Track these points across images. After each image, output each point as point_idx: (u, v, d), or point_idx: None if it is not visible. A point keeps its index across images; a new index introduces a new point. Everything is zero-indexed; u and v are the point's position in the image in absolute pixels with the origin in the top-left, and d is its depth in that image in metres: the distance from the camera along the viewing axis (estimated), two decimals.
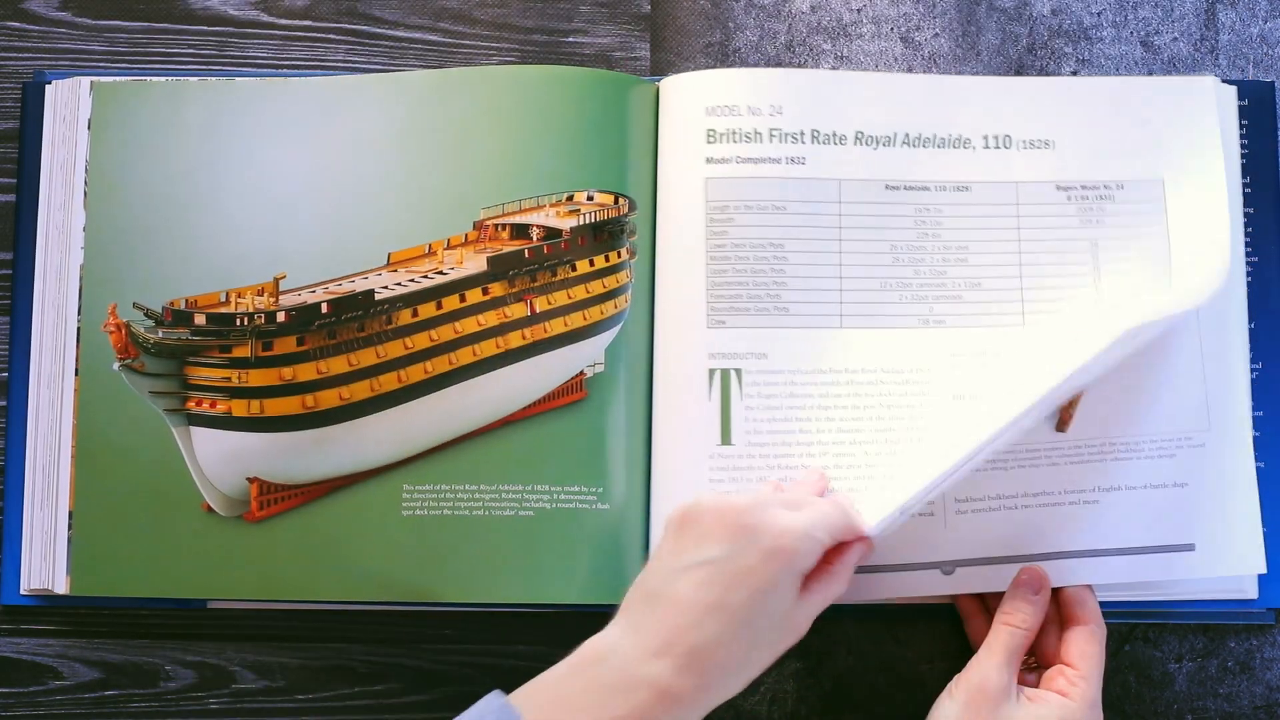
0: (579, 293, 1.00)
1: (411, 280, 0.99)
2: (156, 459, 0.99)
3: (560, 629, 1.00)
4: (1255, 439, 0.99)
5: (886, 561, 0.95)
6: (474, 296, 0.99)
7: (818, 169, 0.99)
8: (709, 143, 0.99)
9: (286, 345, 0.98)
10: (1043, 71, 1.06)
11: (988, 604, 0.96)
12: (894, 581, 0.96)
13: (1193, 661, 1.01)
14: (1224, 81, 1.03)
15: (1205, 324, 0.98)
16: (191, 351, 0.99)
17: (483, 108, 1.00)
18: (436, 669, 1.01)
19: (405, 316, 0.99)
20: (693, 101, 1.00)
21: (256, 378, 0.98)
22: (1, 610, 1.01)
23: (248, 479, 0.98)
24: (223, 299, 0.99)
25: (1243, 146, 1.02)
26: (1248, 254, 1.01)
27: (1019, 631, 0.91)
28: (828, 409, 0.97)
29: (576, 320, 0.99)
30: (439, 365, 0.99)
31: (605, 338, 0.99)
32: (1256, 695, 1.01)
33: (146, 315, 0.99)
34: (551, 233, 0.99)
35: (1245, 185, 1.02)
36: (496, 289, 0.99)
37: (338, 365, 0.98)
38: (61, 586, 0.98)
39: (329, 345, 0.98)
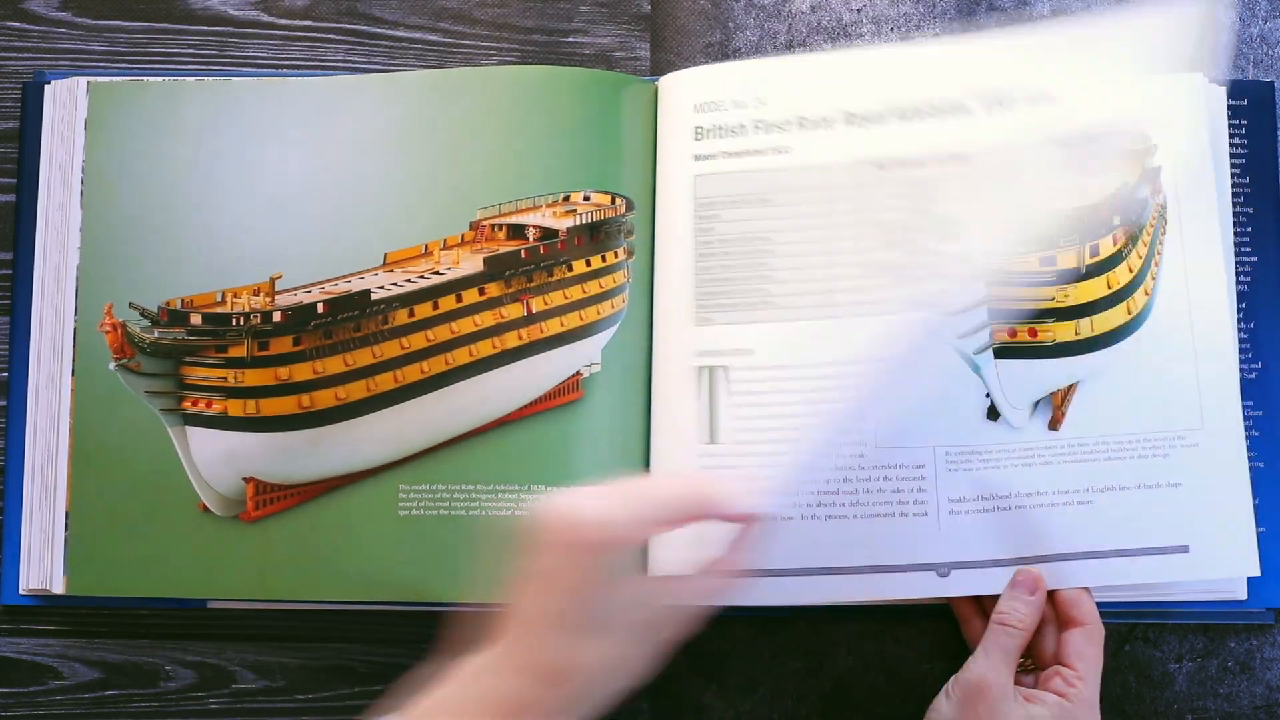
0: (575, 293, 0.99)
1: (408, 280, 0.99)
2: (152, 459, 0.99)
3: None
4: (1255, 439, 0.99)
5: (881, 562, 0.95)
6: (470, 297, 0.99)
7: (804, 157, 0.99)
8: (696, 139, 0.99)
9: (282, 345, 0.98)
10: None
11: (985, 607, 0.96)
12: (889, 583, 0.95)
13: (1193, 661, 1.01)
14: (1224, 81, 1.03)
15: (1198, 323, 0.98)
16: (187, 351, 0.99)
17: (479, 108, 1.00)
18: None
19: (401, 317, 0.99)
20: (683, 99, 1.00)
21: (252, 377, 0.98)
22: (1, 610, 1.01)
23: (244, 479, 0.98)
24: (219, 299, 0.99)
25: (1243, 146, 1.02)
26: (1248, 254, 1.01)
27: (1015, 631, 0.91)
28: (817, 404, 0.96)
29: (573, 320, 0.99)
30: (435, 365, 0.99)
31: (602, 338, 0.99)
32: (1256, 695, 1.01)
33: (142, 315, 1.00)
34: (548, 233, 0.99)
35: (1245, 185, 1.02)
36: (493, 289, 0.99)
37: (334, 365, 0.98)
38: (58, 586, 0.98)
39: (325, 345, 0.98)
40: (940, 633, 1.00)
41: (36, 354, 1.00)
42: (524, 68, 1.03)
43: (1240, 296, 1.00)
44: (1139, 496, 0.95)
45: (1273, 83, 1.04)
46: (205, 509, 0.98)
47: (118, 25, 1.06)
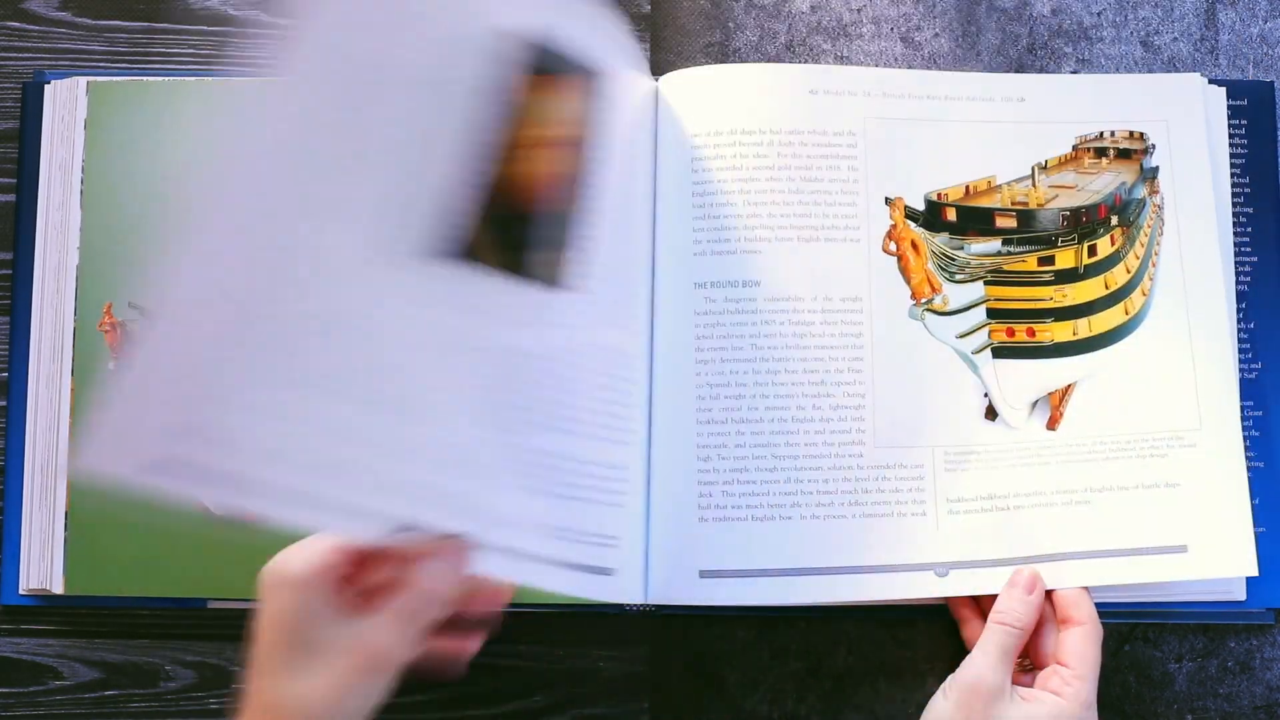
0: None
1: None
2: None
3: (560, 629, 1.00)
4: (1255, 439, 0.99)
5: (879, 562, 0.95)
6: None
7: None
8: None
9: None
10: (1042, 71, 1.06)
11: (983, 607, 0.96)
12: (887, 583, 0.95)
13: (1193, 661, 1.01)
14: (1223, 82, 1.03)
15: (1195, 322, 0.98)
16: None
17: None
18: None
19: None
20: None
21: None
22: (1, 610, 1.01)
23: None
24: None
25: (1242, 146, 1.02)
26: (1248, 254, 1.01)
27: (1013, 631, 0.91)
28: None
29: None
30: None
31: None
32: (1256, 695, 1.01)
33: (143, 315, 1.00)
34: None
35: (1245, 185, 1.02)
36: None
37: None
38: (58, 586, 0.98)
39: None
40: (940, 633, 1.00)
41: (36, 354, 1.00)
42: None
43: (1240, 296, 1.01)
44: (1137, 496, 0.95)
45: (1273, 83, 1.04)
46: (205, 508, 0.98)
47: (118, 25, 1.06)
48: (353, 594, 0.81)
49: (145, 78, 1.03)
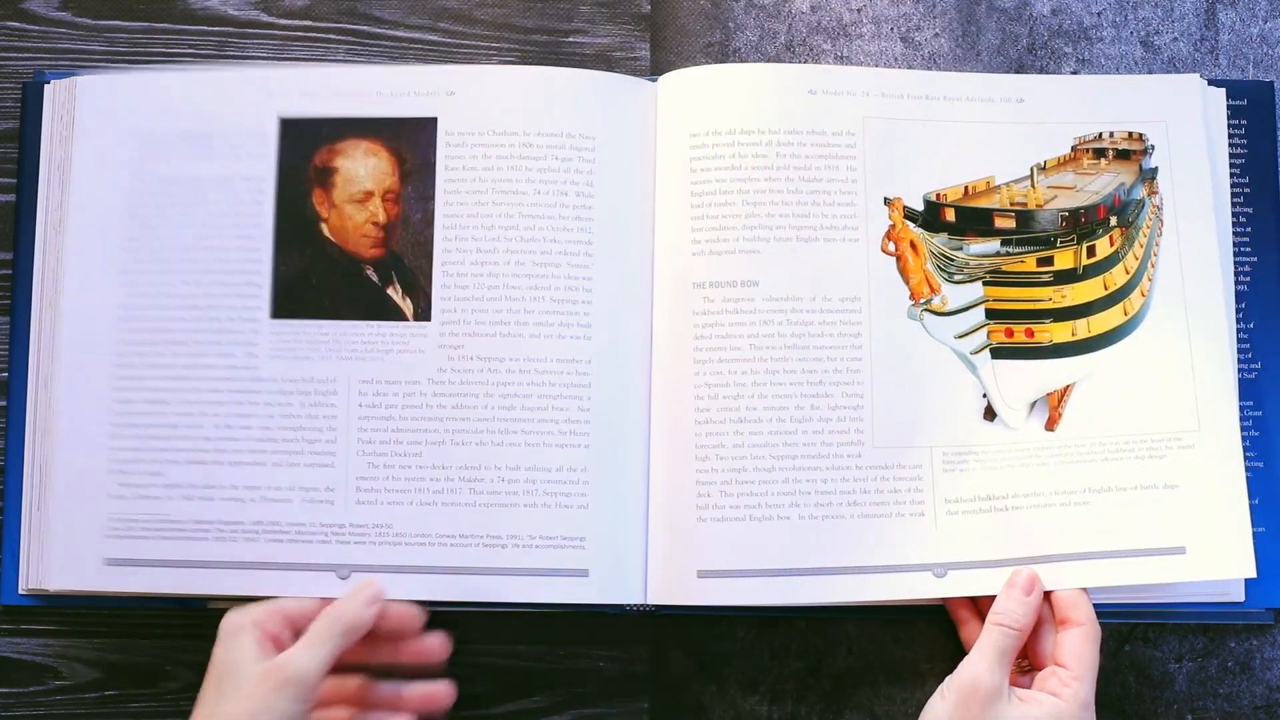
0: None
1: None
2: None
3: (560, 629, 1.00)
4: (1255, 439, 0.99)
5: (878, 563, 0.95)
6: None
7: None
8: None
9: None
10: (1042, 71, 1.06)
11: (981, 608, 0.96)
12: (886, 583, 0.95)
13: (1193, 661, 1.01)
14: (1223, 82, 1.03)
15: (1194, 323, 0.98)
16: None
17: None
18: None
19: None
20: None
21: None
22: (1, 610, 1.01)
23: None
24: None
25: (1242, 146, 1.02)
26: (1247, 254, 1.01)
27: (1010, 632, 0.91)
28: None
29: None
30: None
31: None
32: (1256, 695, 1.00)
33: None
34: None
35: (1245, 185, 1.02)
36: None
37: None
38: (49, 585, 0.98)
39: None
40: (940, 633, 1.00)
41: (36, 354, 1.00)
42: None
43: (1239, 296, 1.00)
44: (1135, 497, 0.95)
45: (1273, 83, 1.04)
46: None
47: (118, 25, 1.06)
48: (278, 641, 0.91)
49: (140, 73, 1.04)
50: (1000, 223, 1.00)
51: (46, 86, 1.03)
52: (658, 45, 1.07)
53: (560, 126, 1.00)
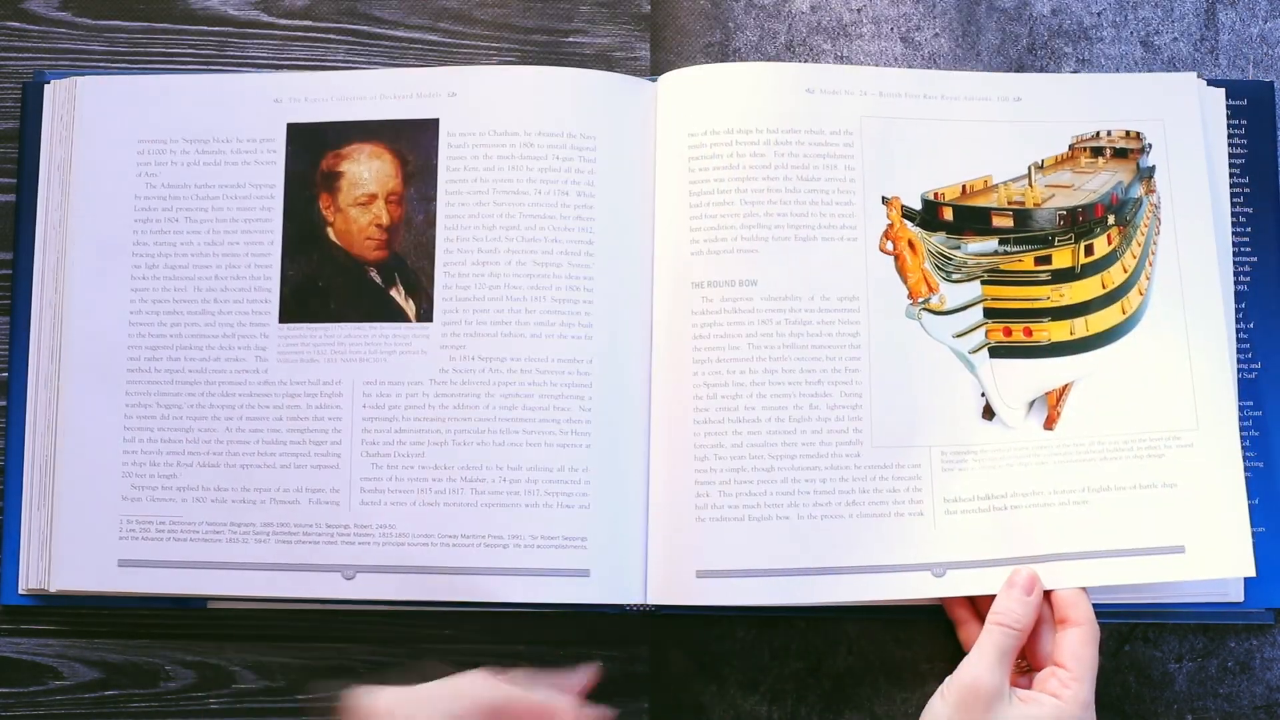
0: None
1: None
2: None
3: (560, 629, 1.00)
4: (1255, 439, 0.99)
5: (877, 562, 0.95)
6: None
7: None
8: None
9: None
10: (1042, 71, 1.06)
11: (979, 610, 0.95)
12: (885, 583, 0.95)
13: (1193, 661, 1.01)
14: (1223, 82, 1.03)
15: (1192, 322, 0.98)
16: None
17: None
18: (436, 669, 1.01)
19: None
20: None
21: None
22: (1, 610, 1.01)
23: None
24: None
25: (1242, 146, 1.02)
26: (1247, 254, 1.01)
27: (1010, 632, 0.90)
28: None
29: None
30: None
31: None
32: (1256, 695, 1.00)
33: None
34: None
35: (1244, 185, 1.02)
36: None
37: None
38: (55, 586, 0.98)
39: None
40: (940, 633, 1.00)
41: (36, 354, 1.01)
42: None
43: (1239, 296, 1.00)
44: (1134, 496, 0.95)
45: (1272, 83, 1.04)
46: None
47: (118, 25, 1.06)
48: None
49: (145, 78, 1.04)
50: (998, 221, 1.00)
51: (46, 86, 1.03)
52: (658, 45, 1.07)
53: (561, 126, 1.00)
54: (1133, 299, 0.98)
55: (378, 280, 0.99)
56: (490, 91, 1.01)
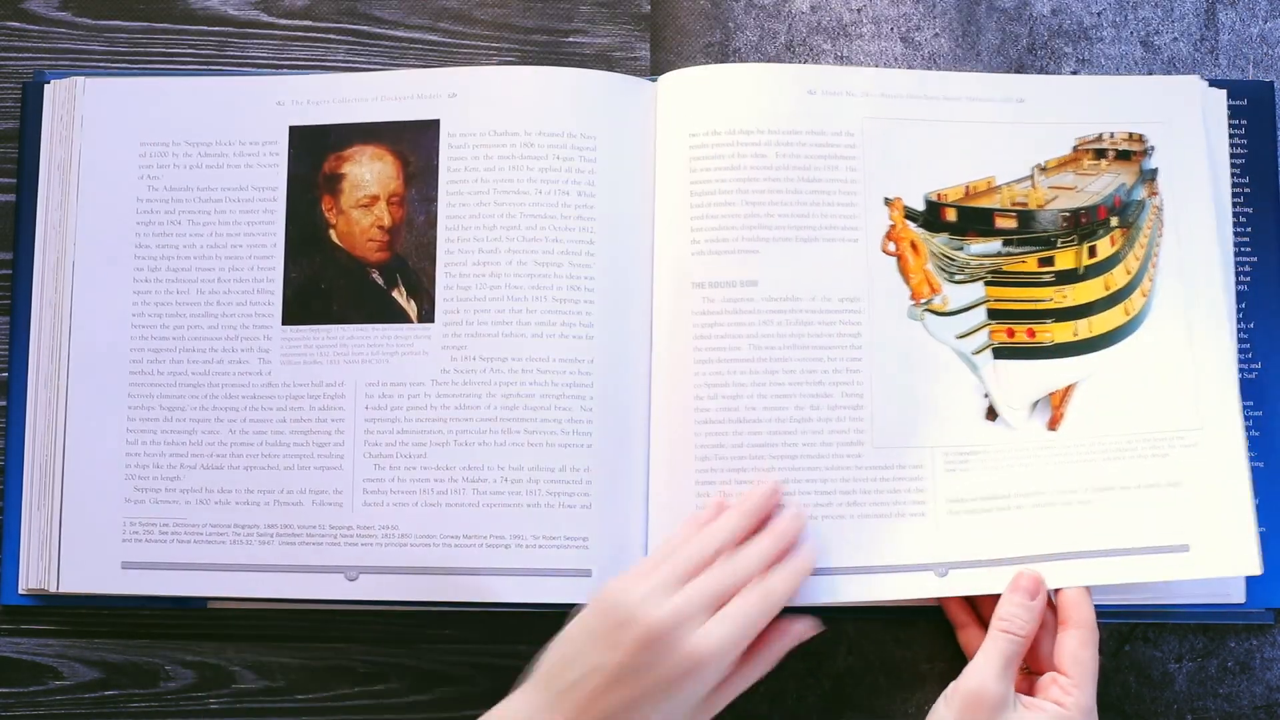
0: None
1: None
2: None
3: (561, 628, 1.00)
4: (1255, 439, 0.99)
5: (879, 562, 0.95)
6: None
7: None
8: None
9: None
10: (1042, 71, 1.06)
11: (979, 612, 0.96)
12: (886, 583, 0.95)
13: (1193, 661, 1.01)
14: (1223, 82, 1.03)
15: (1196, 323, 0.98)
16: None
17: None
18: (436, 669, 1.01)
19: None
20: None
21: None
22: (1, 610, 1.01)
23: None
24: None
25: (1242, 146, 1.03)
26: (1247, 254, 1.01)
27: (1016, 639, 0.90)
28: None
29: None
30: None
31: None
32: (1256, 695, 1.00)
33: None
34: None
35: (1245, 185, 1.02)
36: None
37: None
38: (55, 586, 0.98)
39: None
40: (940, 633, 1.00)
41: (36, 354, 1.00)
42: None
43: (1240, 296, 1.01)
44: (1138, 496, 0.95)
45: (1273, 83, 1.04)
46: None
47: (118, 25, 1.06)
48: None
49: (145, 78, 1.03)
50: (1001, 223, 1.00)
51: (46, 86, 1.03)
52: (658, 45, 1.07)
53: (561, 126, 1.00)
54: (1136, 301, 0.98)
55: (379, 281, 0.99)
56: (490, 92, 1.01)
